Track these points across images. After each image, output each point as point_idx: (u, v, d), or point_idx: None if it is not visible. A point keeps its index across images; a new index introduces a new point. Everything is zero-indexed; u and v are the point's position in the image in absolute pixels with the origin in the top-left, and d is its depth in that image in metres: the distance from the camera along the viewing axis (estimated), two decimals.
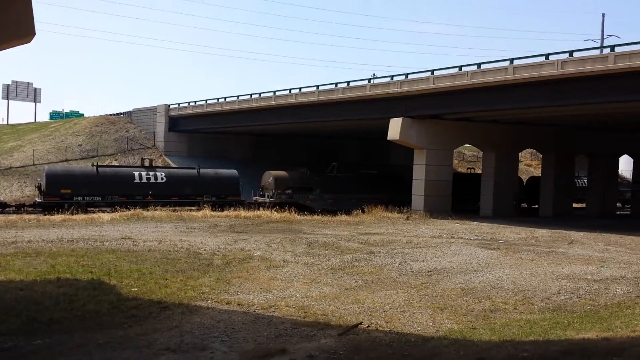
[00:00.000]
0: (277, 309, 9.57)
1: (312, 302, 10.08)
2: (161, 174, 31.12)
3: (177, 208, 29.20)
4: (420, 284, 11.71)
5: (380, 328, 8.62)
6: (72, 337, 7.90)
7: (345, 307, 9.79)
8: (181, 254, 14.63)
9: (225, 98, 41.40)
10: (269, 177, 32.45)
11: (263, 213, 25.96)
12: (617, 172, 39.19)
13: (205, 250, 15.29)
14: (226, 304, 9.81)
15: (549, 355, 7.11)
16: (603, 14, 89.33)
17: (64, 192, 28.17)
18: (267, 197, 31.95)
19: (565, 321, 8.93)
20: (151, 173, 30.85)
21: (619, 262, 14.74)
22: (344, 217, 26.45)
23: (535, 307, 10.01)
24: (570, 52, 22.83)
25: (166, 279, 11.52)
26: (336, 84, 32.81)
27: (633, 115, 26.93)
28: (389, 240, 18.13)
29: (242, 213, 25.97)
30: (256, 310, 9.45)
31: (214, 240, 17.18)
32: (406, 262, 14.12)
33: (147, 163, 32.76)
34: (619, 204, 41.55)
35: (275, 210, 27.10)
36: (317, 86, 33.92)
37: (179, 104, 45.70)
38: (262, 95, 38.33)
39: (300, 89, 35.14)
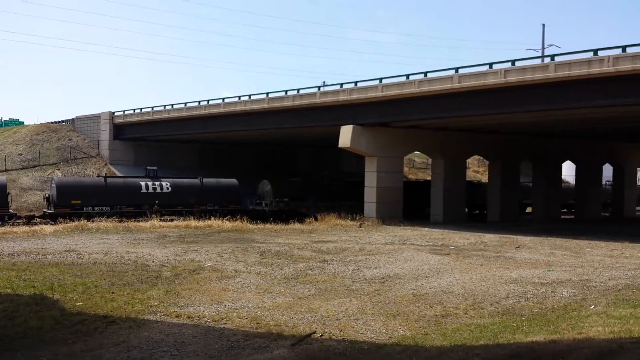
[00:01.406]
0: (228, 320, 9.38)
1: (264, 312, 9.95)
2: (166, 184, 32.17)
3: (180, 217, 29.80)
4: (374, 291, 11.75)
5: (334, 337, 8.58)
6: (14, 355, 7.56)
7: (298, 316, 9.70)
8: (128, 266, 14.19)
9: (172, 105, 40.68)
10: (267, 185, 34.01)
11: (214, 222, 25.51)
12: (560, 177, 40.66)
13: (153, 262, 14.87)
14: (176, 317, 9.56)
15: (499, 359, 7.22)
16: (543, 24, 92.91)
17: (75, 203, 29.29)
18: (265, 206, 33.50)
19: (514, 325, 9.11)
20: (157, 183, 31.89)
21: (565, 265, 15.21)
22: (297, 226, 26.35)
23: (485, 311, 10.19)
24: (513, 62, 23.52)
25: (112, 293, 11.14)
26: (286, 91, 32.81)
27: (574, 121, 27.99)
28: (342, 248, 18.15)
29: (193, 223, 25.45)
30: (207, 323, 9.24)
31: (162, 252, 16.75)
32: (359, 270, 14.15)
33: (151, 174, 33.26)
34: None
35: (226, 220, 26.73)
36: (267, 93, 33.79)
37: (124, 111, 44.56)
38: (210, 102, 37.86)
39: (249, 96, 34.93)
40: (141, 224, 25.58)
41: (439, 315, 9.86)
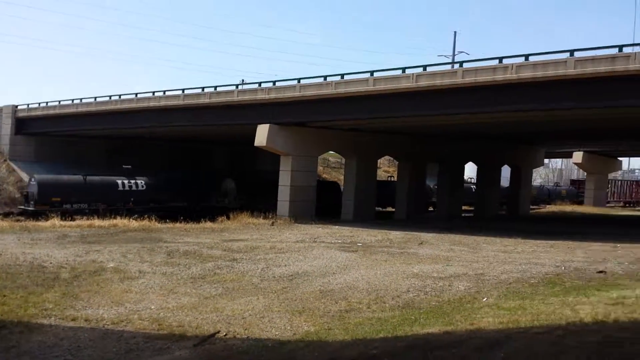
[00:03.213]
0: (129, 322, 9.12)
1: (168, 313, 9.75)
2: (141, 182, 34.09)
3: None
4: (281, 289, 11.82)
5: (238, 335, 8.56)
6: None
7: (203, 316, 9.58)
8: (23, 267, 13.38)
9: (81, 99, 38.88)
10: (231, 183, 37.31)
11: (120, 221, 24.47)
12: (463, 177, 42.77)
13: (51, 263, 14.09)
14: (72, 320, 9.16)
15: (395, 351, 7.50)
16: (455, 32, 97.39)
17: (55, 200, 29.87)
18: (228, 203, 36.16)
19: (413, 317, 9.47)
20: (132, 181, 33.66)
21: (462, 260, 15.94)
22: (208, 224, 25.91)
23: (387, 305, 10.51)
24: (424, 67, 24.31)
25: (4, 296, 10.49)
26: (203, 88, 32.21)
27: (478, 125, 29.41)
28: (253, 247, 18.07)
29: (97, 222, 24.25)
30: (105, 326, 8.93)
31: (62, 252, 15.88)
32: (269, 268, 14.17)
33: (126, 172, 34.55)
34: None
35: (133, 219, 25.81)
36: (183, 90, 33.05)
37: (28, 105, 42.20)
38: (122, 97, 36.51)
39: (164, 92, 34.02)
40: (40, 223, 24.11)
41: (343, 310, 10.07)
